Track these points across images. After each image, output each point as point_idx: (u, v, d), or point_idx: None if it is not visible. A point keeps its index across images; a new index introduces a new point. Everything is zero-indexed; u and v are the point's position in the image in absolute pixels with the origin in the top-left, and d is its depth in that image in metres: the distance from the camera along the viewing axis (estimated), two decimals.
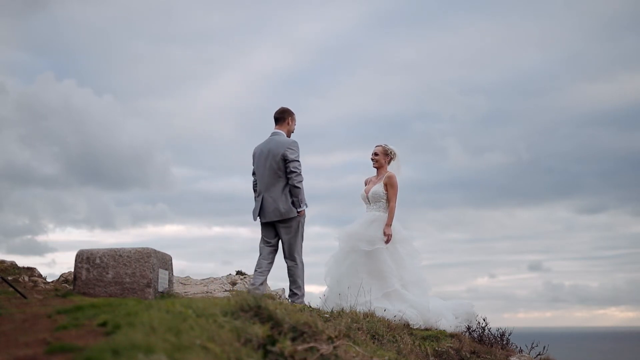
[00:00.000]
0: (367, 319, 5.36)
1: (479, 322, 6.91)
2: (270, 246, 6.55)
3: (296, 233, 6.44)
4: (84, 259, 5.26)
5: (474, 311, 7.10)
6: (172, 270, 5.81)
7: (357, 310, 5.78)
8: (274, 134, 6.62)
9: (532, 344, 6.78)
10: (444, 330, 6.50)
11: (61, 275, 7.46)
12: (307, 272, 6.62)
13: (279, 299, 8.11)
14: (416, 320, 6.48)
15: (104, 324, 3.12)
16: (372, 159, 7.30)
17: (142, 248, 5.29)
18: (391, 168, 7.29)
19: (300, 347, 3.15)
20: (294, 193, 6.36)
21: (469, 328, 6.80)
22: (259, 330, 3.16)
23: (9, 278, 5.95)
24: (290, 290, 6.49)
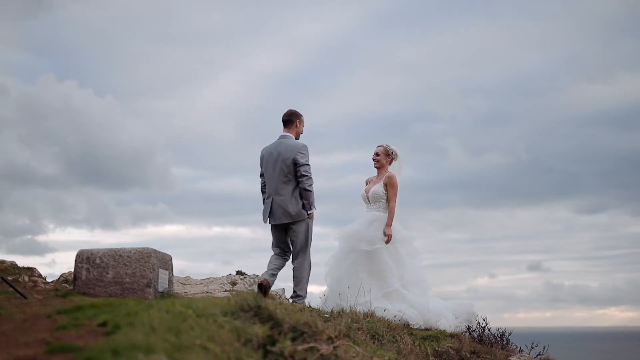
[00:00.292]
0: (367, 319, 5.36)
1: (479, 322, 6.91)
2: (281, 249, 6.63)
3: (305, 235, 6.49)
4: (84, 259, 5.26)
5: (474, 311, 7.10)
6: (172, 270, 5.81)
7: (357, 310, 5.78)
8: (282, 136, 6.65)
9: (532, 344, 6.78)
10: (444, 330, 6.50)
11: (61, 275, 7.45)
12: None
13: (279, 299, 8.12)
14: (416, 320, 6.48)
15: (104, 324, 3.12)
16: (373, 159, 7.30)
17: (142, 248, 5.29)
18: (392, 168, 7.29)
19: (300, 347, 3.15)
20: (305, 196, 6.43)
21: (469, 328, 6.80)
22: (259, 330, 3.16)
23: (9, 278, 5.95)
24: (294, 291, 6.51)
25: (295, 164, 6.40)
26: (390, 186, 7.02)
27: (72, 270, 5.38)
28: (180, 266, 9.67)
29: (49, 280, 7.09)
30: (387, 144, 7.33)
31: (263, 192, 6.72)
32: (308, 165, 6.44)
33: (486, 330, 6.78)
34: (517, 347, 6.80)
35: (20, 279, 6.37)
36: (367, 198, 7.14)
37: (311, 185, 6.44)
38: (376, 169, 7.34)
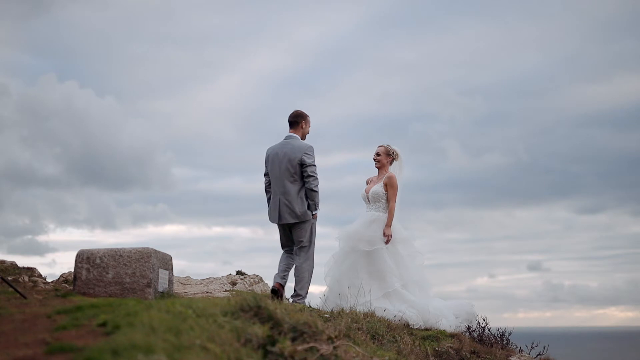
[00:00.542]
0: (367, 319, 5.36)
1: (479, 322, 6.91)
2: (289, 247, 6.69)
3: (309, 235, 6.55)
4: (84, 259, 5.26)
5: (474, 311, 7.09)
6: (172, 270, 5.81)
7: (357, 310, 5.78)
8: (288, 137, 6.70)
9: (532, 344, 6.77)
10: (444, 330, 6.50)
11: (61, 275, 7.44)
12: None
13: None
14: (416, 320, 6.47)
15: (104, 324, 3.12)
16: (374, 159, 7.30)
17: (143, 248, 5.29)
18: (393, 169, 7.28)
19: (300, 347, 3.15)
20: (311, 197, 6.50)
21: (469, 328, 6.80)
22: (259, 331, 3.16)
23: (9, 278, 5.95)
24: (294, 290, 6.52)
25: (302, 165, 6.47)
26: (390, 186, 7.01)
27: (72, 270, 5.38)
28: (180, 266, 9.68)
29: (49, 280, 7.08)
30: (388, 144, 7.33)
31: (267, 191, 6.78)
32: (314, 166, 6.52)
33: (486, 330, 6.77)
34: (517, 347, 6.80)
35: (20, 279, 6.36)
36: (367, 198, 7.14)
37: (317, 186, 6.52)
38: (377, 169, 7.34)
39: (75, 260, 5.29)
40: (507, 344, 6.72)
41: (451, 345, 5.96)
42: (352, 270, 6.80)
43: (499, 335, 6.73)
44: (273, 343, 3.12)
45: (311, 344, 3.24)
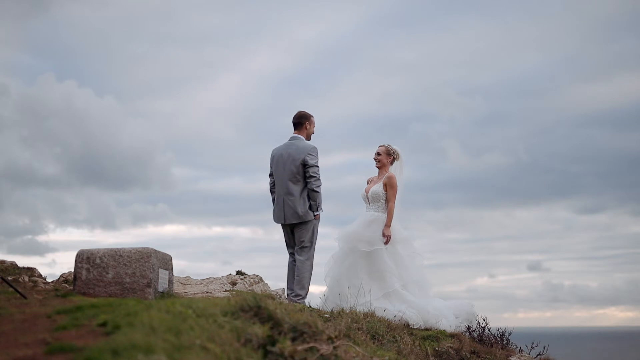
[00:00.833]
0: (367, 319, 5.36)
1: (479, 322, 6.91)
2: (293, 248, 6.73)
3: (310, 235, 6.59)
4: (84, 259, 5.26)
5: (474, 311, 7.09)
6: (172, 270, 5.81)
7: (357, 310, 5.78)
8: (293, 138, 6.75)
9: (532, 344, 6.77)
10: (444, 330, 6.50)
11: (61, 275, 7.44)
12: None
13: (279, 299, 8.11)
14: (416, 320, 6.47)
15: (104, 324, 3.12)
16: (374, 159, 7.30)
17: (142, 248, 5.29)
18: (394, 169, 7.27)
19: (300, 347, 3.15)
20: (313, 197, 6.55)
21: (469, 328, 6.79)
22: (259, 331, 3.16)
23: (9, 278, 5.95)
24: (294, 290, 6.52)
25: (305, 165, 6.51)
26: (389, 186, 7.01)
27: (72, 270, 5.38)
28: (180, 266, 9.68)
29: (49, 280, 7.08)
30: (388, 143, 7.32)
31: (272, 191, 6.84)
32: (317, 166, 6.56)
33: (486, 330, 6.77)
34: (517, 347, 6.80)
35: (20, 279, 6.36)
36: (367, 198, 7.14)
37: (319, 186, 6.55)
38: (377, 169, 7.34)
39: (75, 260, 5.29)
40: (507, 344, 6.72)
41: (451, 345, 5.96)
42: (352, 271, 6.80)
43: (499, 335, 6.73)
44: (273, 343, 3.12)
45: (311, 344, 3.24)
